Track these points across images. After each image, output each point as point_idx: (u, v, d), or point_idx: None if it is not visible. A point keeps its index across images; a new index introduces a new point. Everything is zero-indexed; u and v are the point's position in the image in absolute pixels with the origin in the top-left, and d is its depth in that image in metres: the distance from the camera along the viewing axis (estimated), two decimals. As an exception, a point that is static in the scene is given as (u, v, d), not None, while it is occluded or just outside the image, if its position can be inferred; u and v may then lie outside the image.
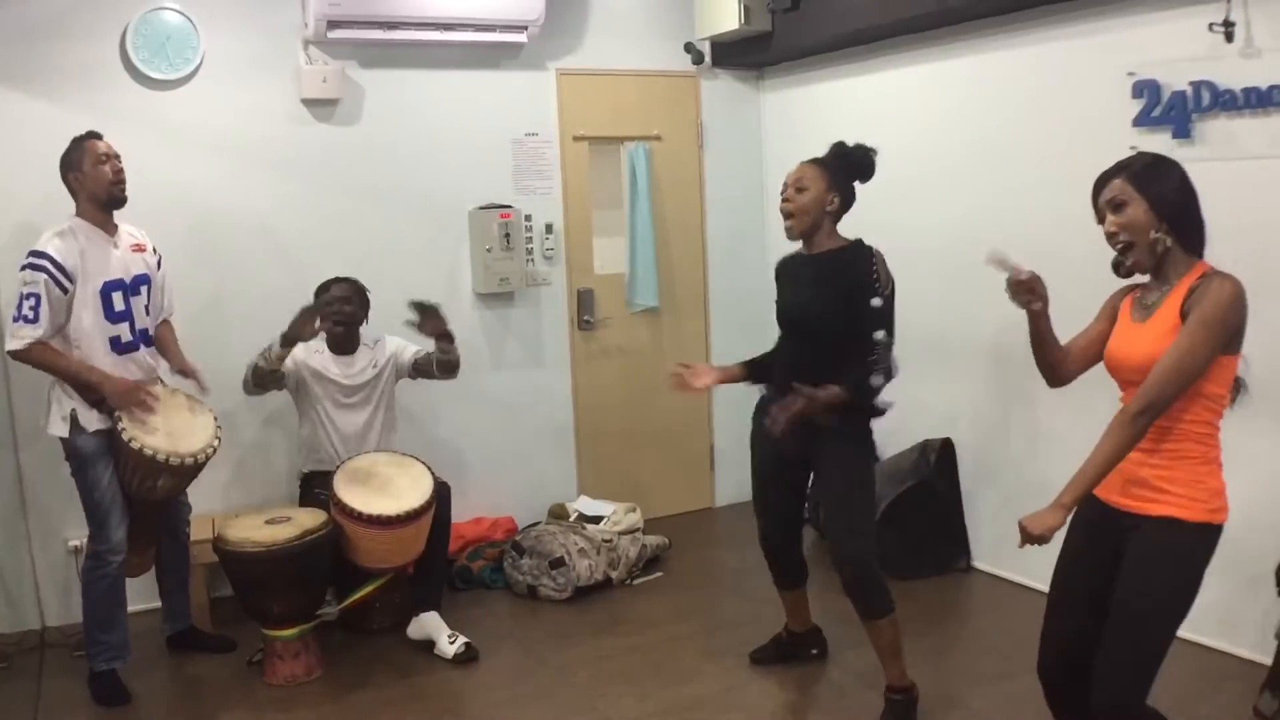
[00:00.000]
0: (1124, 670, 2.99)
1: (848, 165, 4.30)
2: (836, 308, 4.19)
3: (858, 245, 4.26)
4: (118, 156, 4.73)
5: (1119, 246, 3.08)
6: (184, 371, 5.04)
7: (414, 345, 5.62)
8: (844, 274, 4.20)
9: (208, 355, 5.21)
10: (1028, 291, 3.29)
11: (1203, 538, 2.98)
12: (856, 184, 4.34)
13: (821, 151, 4.39)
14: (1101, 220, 3.12)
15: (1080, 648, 3.18)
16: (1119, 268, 3.14)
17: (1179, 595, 2.97)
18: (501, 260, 6.33)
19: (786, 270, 4.52)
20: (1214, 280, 2.93)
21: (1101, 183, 3.11)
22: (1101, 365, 3.27)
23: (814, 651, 4.95)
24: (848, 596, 4.28)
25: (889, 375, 4.12)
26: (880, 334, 4.10)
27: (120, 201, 4.75)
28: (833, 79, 6.68)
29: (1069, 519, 3.07)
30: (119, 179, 4.72)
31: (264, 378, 5.27)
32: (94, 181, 4.66)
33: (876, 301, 4.11)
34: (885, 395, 4.22)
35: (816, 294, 4.27)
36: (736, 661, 4.96)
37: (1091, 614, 3.14)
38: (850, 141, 4.33)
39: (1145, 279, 3.16)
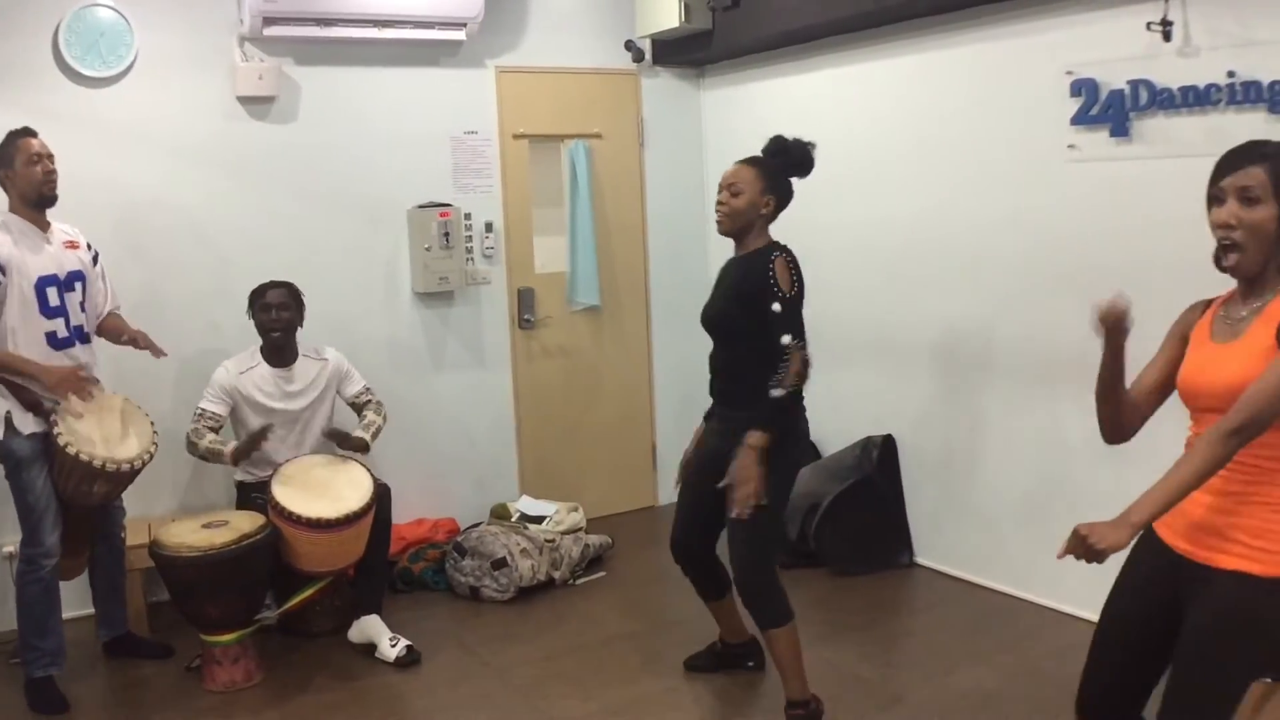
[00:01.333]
0: None
1: (786, 162, 4.26)
2: (733, 310, 4.21)
3: (767, 249, 4.19)
4: (50, 156, 4.67)
5: (1226, 242, 2.66)
6: (136, 340, 4.96)
7: (359, 379, 5.57)
8: (747, 276, 4.16)
9: (138, 354, 5.10)
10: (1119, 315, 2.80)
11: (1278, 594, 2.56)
12: (795, 180, 4.31)
13: (760, 148, 4.37)
14: (1217, 202, 2.69)
15: (1121, 689, 2.94)
16: (1221, 261, 2.72)
17: (1244, 660, 2.57)
18: (441, 259, 6.28)
19: (722, 271, 4.48)
20: None
21: (1235, 163, 2.67)
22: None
23: (750, 664, 4.86)
24: (743, 605, 4.27)
25: (799, 380, 4.04)
26: (785, 339, 4.02)
27: (50, 201, 4.69)
28: (773, 77, 6.69)
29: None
30: (50, 179, 4.66)
31: (208, 461, 5.28)
32: (24, 180, 4.60)
33: (776, 307, 4.04)
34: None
35: (720, 296, 4.32)
36: (680, 660, 4.94)
37: (1134, 657, 2.88)
38: (789, 136, 4.30)
39: (1220, 294, 2.84)
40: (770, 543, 4.25)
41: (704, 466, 4.47)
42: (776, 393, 4.01)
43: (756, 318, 4.07)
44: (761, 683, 4.72)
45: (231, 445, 5.14)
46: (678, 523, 4.68)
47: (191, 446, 5.20)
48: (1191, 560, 2.70)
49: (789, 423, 4.19)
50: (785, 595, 4.24)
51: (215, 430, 5.22)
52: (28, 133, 4.66)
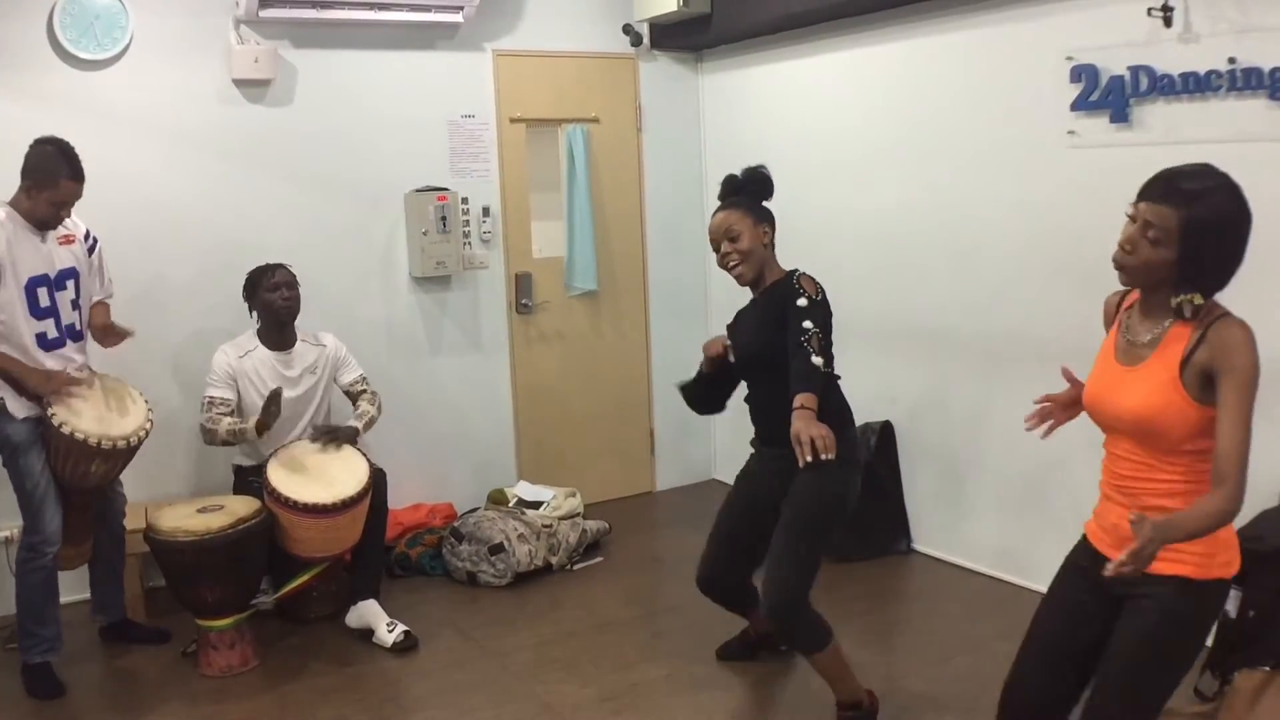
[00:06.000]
0: None
1: (753, 193, 4.20)
2: (775, 339, 4.01)
3: (789, 275, 4.12)
4: (72, 204, 4.66)
5: (1127, 268, 2.77)
6: (105, 329, 4.89)
7: (356, 367, 5.54)
8: (776, 301, 4.07)
9: (136, 339, 5.09)
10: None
11: (1211, 594, 2.79)
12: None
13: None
14: (1131, 218, 2.76)
15: (1050, 697, 3.05)
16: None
17: (1182, 657, 2.80)
18: (438, 244, 6.27)
19: (738, 321, 4.38)
20: (1227, 331, 2.66)
21: (1156, 194, 2.70)
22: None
23: (784, 648, 4.75)
24: (776, 631, 4.16)
25: (825, 361, 3.89)
26: (807, 323, 3.88)
27: (51, 228, 4.66)
28: (772, 62, 6.66)
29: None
30: (62, 217, 4.66)
31: (232, 444, 5.23)
32: (41, 210, 4.56)
33: (801, 301, 3.95)
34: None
35: (757, 332, 4.17)
36: (677, 646, 4.96)
37: (1068, 669, 3.00)
38: (736, 169, 4.22)
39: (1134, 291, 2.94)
40: (814, 570, 4.11)
41: (755, 502, 4.38)
42: (817, 360, 3.81)
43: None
44: (759, 669, 4.72)
45: (252, 421, 5.09)
46: (712, 558, 4.53)
47: (209, 435, 5.16)
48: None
49: (845, 448, 3.95)
50: (820, 617, 4.11)
51: (229, 415, 5.20)
52: (74, 175, 4.57)
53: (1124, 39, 4.62)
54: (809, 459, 3.47)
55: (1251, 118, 4.26)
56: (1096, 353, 3.01)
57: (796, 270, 4.13)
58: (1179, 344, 2.71)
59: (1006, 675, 3.15)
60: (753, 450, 4.52)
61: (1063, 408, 3.22)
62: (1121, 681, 2.80)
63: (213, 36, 5.78)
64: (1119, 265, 2.78)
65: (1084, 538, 3.06)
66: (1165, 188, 2.69)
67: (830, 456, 3.46)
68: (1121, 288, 2.99)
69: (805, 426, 3.53)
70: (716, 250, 4.17)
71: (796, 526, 4.11)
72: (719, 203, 4.23)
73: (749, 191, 4.21)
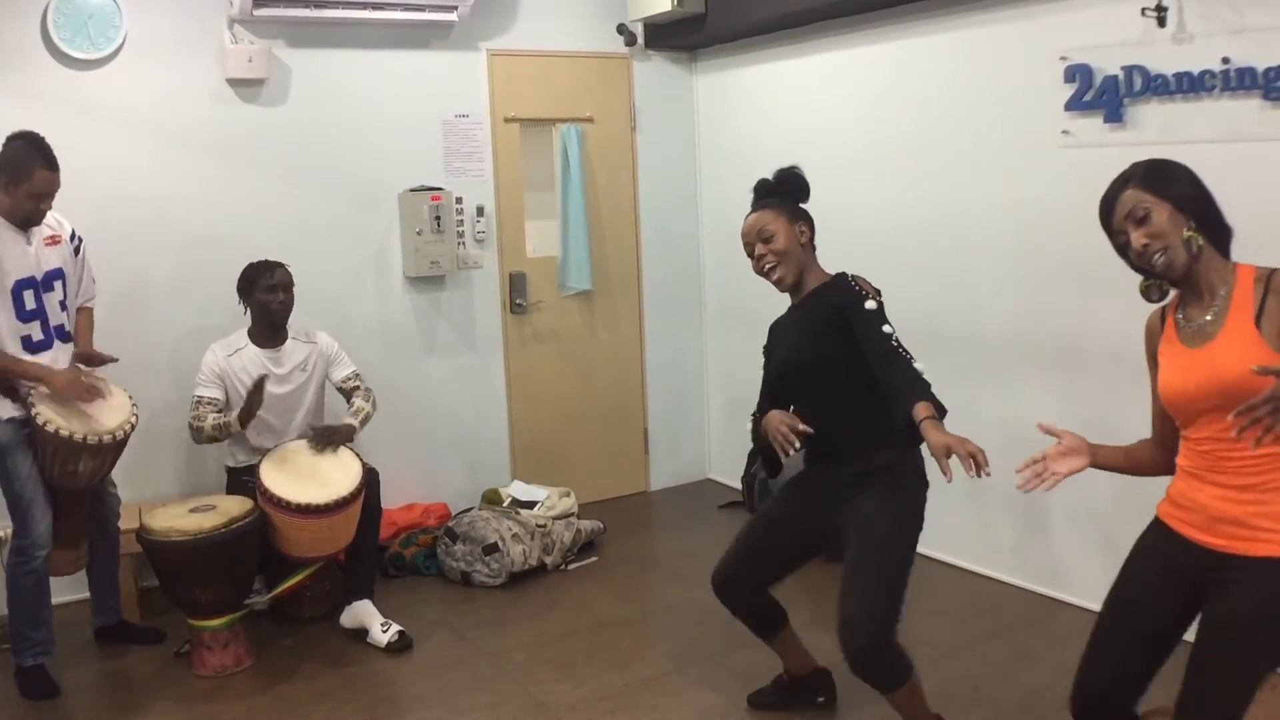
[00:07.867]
0: (1216, 711, 2.76)
1: (788, 194, 3.99)
2: (823, 343, 3.81)
3: (840, 277, 3.88)
4: (53, 195, 4.59)
5: (1156, 256, 2.80)
6: (88, 359, 4.85)
7: (349, 364, 5.50)
8: (827, 303, 3.82)
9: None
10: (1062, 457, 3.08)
11: None
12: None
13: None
14: (1125, 242, 2.86)
15: (1123, 682, 2.99)
16: (1150, 291, 2.92)
17: (1277, 638, 2.75)
18: (432, 243, 6.26)
19: (775, 332, 4.10)
20: None
21: (1110, 202, 2.88)
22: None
23: (820, 699, 4.36)
24: (858, 674, 3.74)
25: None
26: (886, 328, 3.64)
27: (34, 225, 4.62)
28: (766, 61, 6.66)
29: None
30: (40, 215, 4.60)
31: (219, 439, 5.19)
32: (17, 208, 4.52)
33: (870, 305, 3.68)
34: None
35: (803, 340, 3.89)
36: (671, 646, 4.96)
37: (1144, 650, 2.95)
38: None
39: (1168, 300, 2.96)
40: (900, 604, 3.73)
41: (800, 516, 4.02)
42: (919, 365, 3.56)
43: (848, 339, 3.71)
44: (758, 672, 4.70)
45: (235, 412, 5.08)
46: (737, 559, 4.11)
47: (196, 433, 5.13)
48: (1220, 552, 2.79)
49: (916, 465, 3.82)
50: (904, 651, 3.75)
51: (218, 413, 5.18)
52: (49, 164, 4.52)
53: (1118, 39, 4.62)
54: (973, 474, 3.28)
55: (1245, 117, 4.26)
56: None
57: (850, 274, 3.88)
58: (1245, 309, 2.76)
59: (1082, 655, 3.07)
60: (806, 471, 4.13)
61: (1060, 458, 3.14)
62: (1223, 658, 2.76)
63: (207, 36, 5.77)
64: (1163, 266, 2.82)
65: (1160, 521, 3.00)
66: (1111, 194, 2.89)
67: (989, 474, 3.25)
68: (1153, 307, 3.03)
69: (955, 441, 3.29)
70: (750, 254, 3.93)
71: (878, 558, 3.75)
72: (750, 208, 4.01)
73: (784, 194, 3.99)
